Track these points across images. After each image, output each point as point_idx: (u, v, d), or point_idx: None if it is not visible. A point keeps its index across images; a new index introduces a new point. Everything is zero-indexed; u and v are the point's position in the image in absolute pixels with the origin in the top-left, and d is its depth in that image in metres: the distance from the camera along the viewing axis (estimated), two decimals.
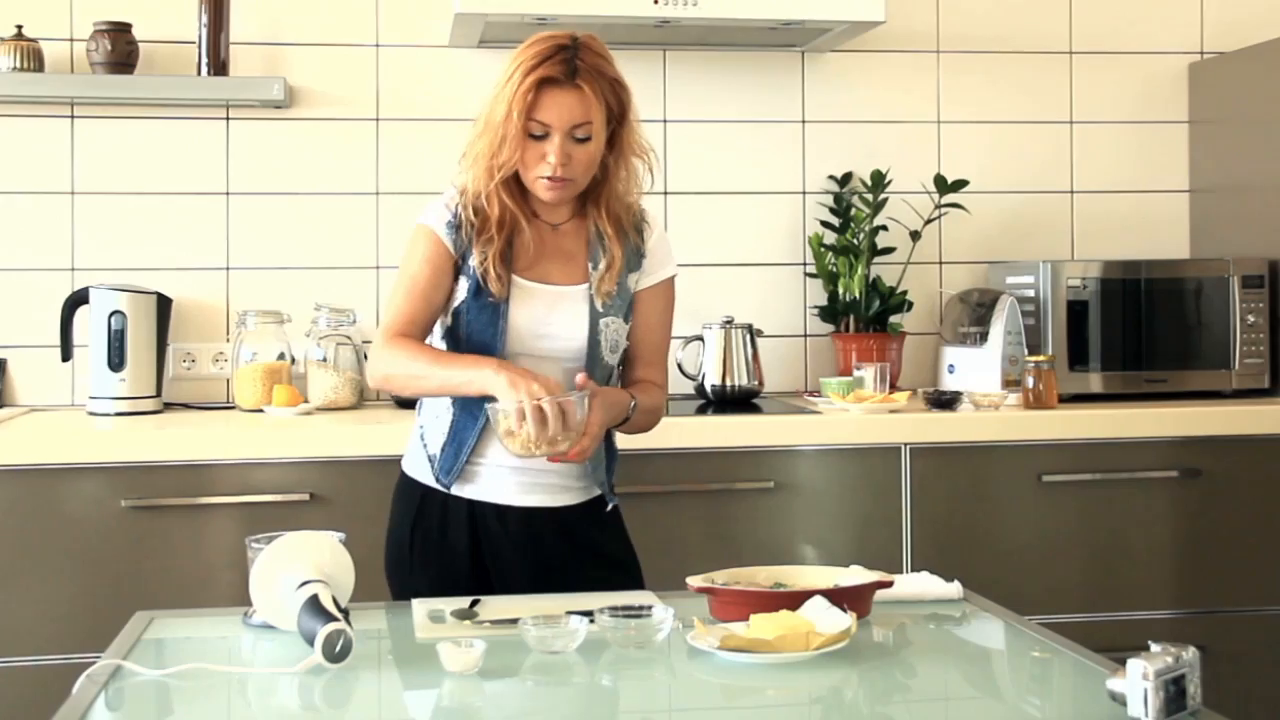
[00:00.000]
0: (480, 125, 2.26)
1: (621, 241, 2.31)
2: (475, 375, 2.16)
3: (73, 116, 3.51)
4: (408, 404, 3.42)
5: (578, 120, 2.20)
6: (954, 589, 2.11)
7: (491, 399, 2.14)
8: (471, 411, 2.26)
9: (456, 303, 2.27)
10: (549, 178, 2.22)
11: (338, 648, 1.73)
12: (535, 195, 2.27)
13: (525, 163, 2.22)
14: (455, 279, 2.28)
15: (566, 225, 2.33)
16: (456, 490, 2.30)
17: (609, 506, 2.37)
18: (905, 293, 3.65)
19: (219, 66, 3.45)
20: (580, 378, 2.20)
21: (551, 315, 2.27)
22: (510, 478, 2.29)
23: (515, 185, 2.27)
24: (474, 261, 2.25)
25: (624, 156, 2.29)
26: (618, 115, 2.26)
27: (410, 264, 2.29)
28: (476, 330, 2.26)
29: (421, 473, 2.35)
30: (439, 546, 2.31)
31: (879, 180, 3.64)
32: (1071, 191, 3.87)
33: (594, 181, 2.29)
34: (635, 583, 2.33)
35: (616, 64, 2.26)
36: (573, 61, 2.19)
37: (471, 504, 2.30)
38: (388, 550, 2.39)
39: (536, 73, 2.18)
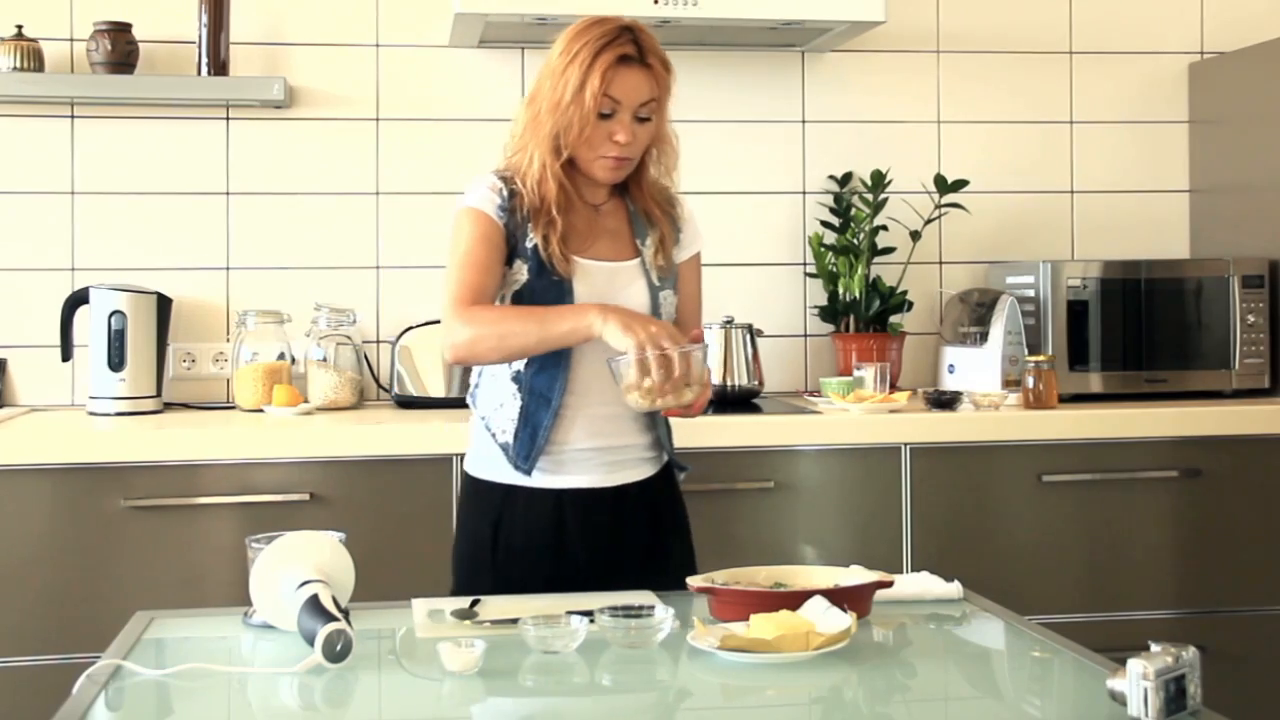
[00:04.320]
0: (538, 108, 2.25)
1: (666, 218, 2.35)
2: (580, 322, 2.13)
3: (73, 116, 3.51)
4: (408, 404, 3.43)
5: (645, 98, 2.23)
6: (954, 589, 2.11)
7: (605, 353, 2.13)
8: (543, 394, 2.24)
9: (518, 285, 2.26)
10: (614, 157, 2.24)
11: (338, 648, 1.73)
12: (590, 176, 2.29)
13: (590, 142, 2.23)
14: (509, 263, 2.26)
15: (606, 206, 2.35)
16: (543, 482, 2.27)
17: (681, 476, 2.41)
18: (905, 293, 3.65)
19: (219, 66, 3.45)
20: (696, 331, 2.22)
21: (613, 290, 2.27)
22: (598, 459, 2.28)
23: (565, 166, 2.28)
24: (534, 243, 2.24)
25: (665, 140, 2.33)
26: (666, 101, 2.30)
27: (463, 243, 2.25)
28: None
29: (494, 469, 2.30)
30: (524, 542, 2.28)
31: (879, 180, 3.64)
32: (1071, 191, 3.87)
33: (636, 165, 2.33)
34: (693, 550, 2.40)
35: None
36: (638, 41, 2.23)
37: (560, 494, 2.27)
38: (459, 553, 2.35)
39: (611, 50, 2.20)
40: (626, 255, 2.32)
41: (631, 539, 2.31)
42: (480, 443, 2.33)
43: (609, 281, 2.28)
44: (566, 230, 2.25)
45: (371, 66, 3.61)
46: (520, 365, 2.26)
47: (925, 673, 1.86)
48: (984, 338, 3.48)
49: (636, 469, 2.32)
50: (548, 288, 2.24)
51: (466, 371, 3.48)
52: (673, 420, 2.37)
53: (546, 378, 2.24)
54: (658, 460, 2.36)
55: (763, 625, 1.77)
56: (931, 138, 3.81)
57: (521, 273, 2.25)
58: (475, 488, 2.34)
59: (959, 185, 3.63)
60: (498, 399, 2.29)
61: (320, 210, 3.59)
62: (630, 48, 2.21)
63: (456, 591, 2.30)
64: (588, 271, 2.27)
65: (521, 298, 2.26)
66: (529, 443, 2.25)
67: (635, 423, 2.30)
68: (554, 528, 2.27)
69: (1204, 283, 3.51)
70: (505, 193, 2.26)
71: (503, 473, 2.29)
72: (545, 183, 2.24)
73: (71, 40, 3.50)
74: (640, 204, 2.34)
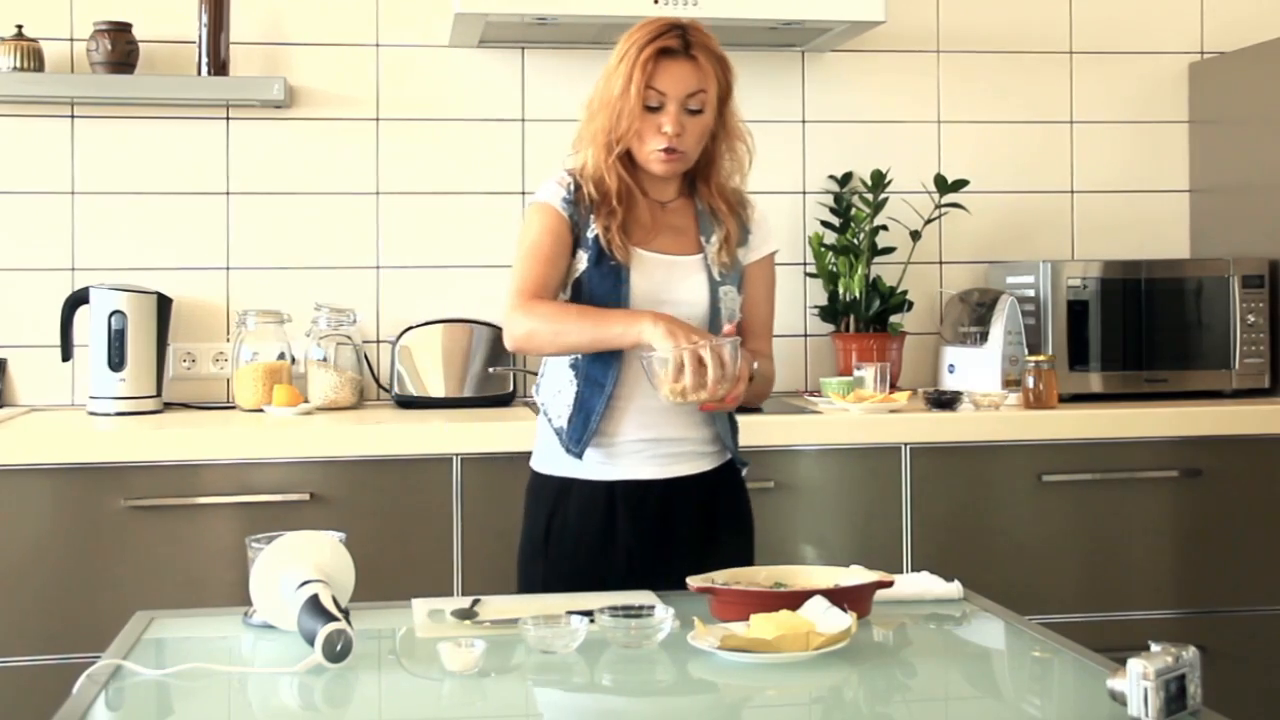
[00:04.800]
0: (594, 107, 2.34)
1: (733, 217, 2.38)
2: (630, 327, 2.19)
3: (73, 116, 3.51)
4: (408, 404, 3.43)
5: (692, 89, 2.27)
6: (954, 589, 2.11)
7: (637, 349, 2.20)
8: (597, 381, 2.30)
9: (577, 274, 2.31)
10: (664, 150, 2.28)
11: (338, 648, 1.73)
12: (648, 170, 2.33)
13: (641, 136, 2.29)
14: (572, 254, 2.32)
15: (674, 203, 2.39)
16: (595, 474, 2.32)
17: (744, 470, 2.43)
18: (905, 293, 3.65)
19: (219, 66, 3.45)
20: (729, 326, 2.25)
21: (671, 282, 2.32)
22: (649, 451, 2.32)
23: (628, 163, 2.33)
24: (594, 232, 2.30)
25: (730, 136, 2.37)
26: (725, 94, 2.34)
27: (530, 235, 2.33)
28: (599, 298, 2.29)
29: (557, 463, 2.35)
30: (576, 538, 2.32)
31: (879, 180, 3.64)
32: (1071, 191, 3.87)
33: (703, 161, 2.37)
34: (751, 547, 2.43)
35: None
36: (685, 36, 2.29)
37: (612, 486, 2.32)
38: (521, 548, 2.41)
39: (653, 45, 2.27)
40: (689, 250, 2.36)
41: (683, 532, 2.34)
42: (542, 434, 2.40)
43: (667, 274, 2.32)
44: (629, 222, 2.32)
45: (371, 66, 3.61)
46: (578, 354, 2.32)
47: (925, 673, 1.86)
48: (984, 338, 3.48)
49: (691, 462, 2.35)
50: (605, 275, 2.29)
51: (468, 372, 3.49)
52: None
53: (601, 366, 2.30)
54: (718, 455, 2.39)
55: (763, 625, 1.77)
56: (931, 138, 3.81)
57: (582, 262, 2.31)
58: (535, 482, 2.41)
59: (959, 185, 3.63)
60: (556, 386, 2.36)
61: (320, 210, 3.59)
62: (673, 41, 2.27)
63: (518, 583, 2.39)
64: (646, 262, 2.32)
65: (580, 285, 2.31)
66: (581, 427, 2.30)
67: (691, 416, 2.32)
68: (605, 519, 2.32)
69: (1204, 283, 3.51)
70: (572, 187, 2.33)
71: (560, 465, 2.35)
72: (602, 176, 2.31)
73: (71, 40, 3.50)
74: (707, 201, 2.38)
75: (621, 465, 2.32)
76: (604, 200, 2.30)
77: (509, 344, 2.33)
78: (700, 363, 2.10)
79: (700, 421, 2.34)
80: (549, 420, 2.36)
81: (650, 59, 2.25)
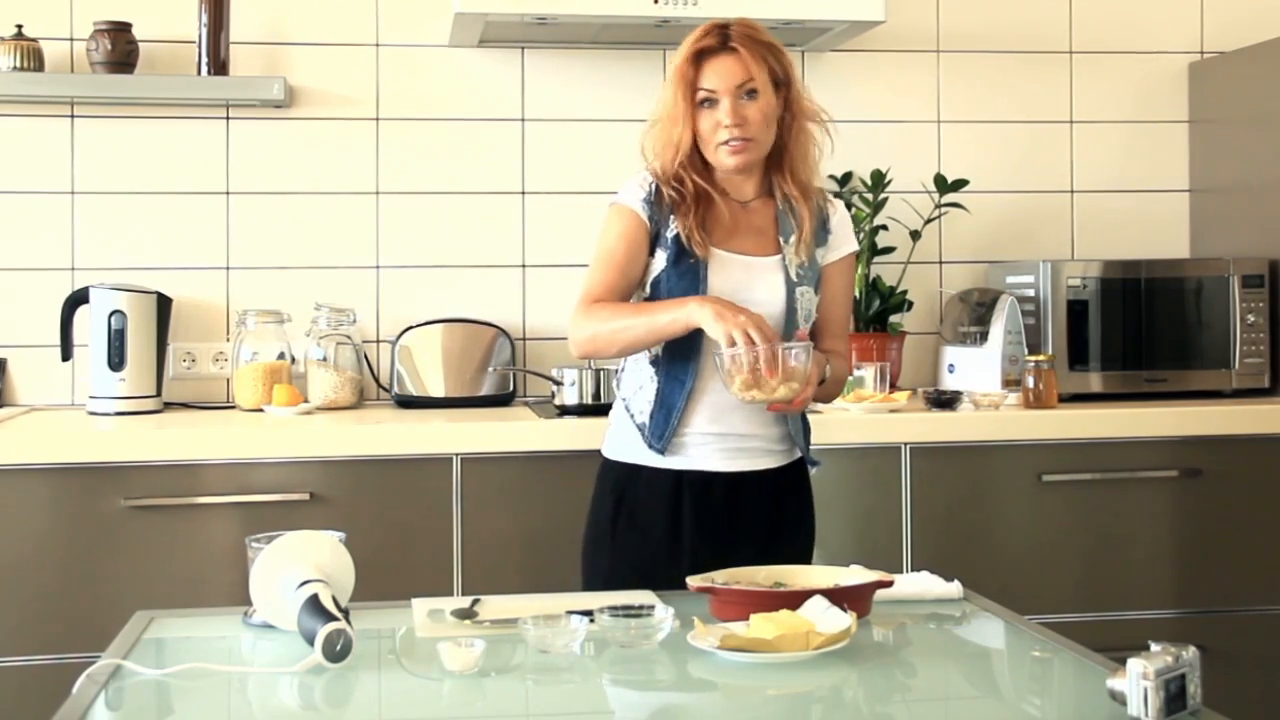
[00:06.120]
0: (660, 116, 2.39)
1: (810, 208, 2.39)
2: (679, 311, 2.23)
3: (73, 116, 3.51)
4: (408, 403, 3.43)
5: (739, 80, 2.31)
6: (954, 589, 2.11)
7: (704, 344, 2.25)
8: (678, 377, 2.33)
9: (655, 273, 2.34)
10: (729, 141, 2.30)
11: (338, 647, 1.73)
12: (721, 167, 2.36)
13: (703, 136, 2.33)
14: (651, 254, 2.35)
15: (755, 203, 2.41)
16: (666, 463, 2.35)
17: (813, 469, 2.46)
18: (905, 292, 3.65)
19: (219, 66, 3.45)
20: (801, 331, 2.29)
21: (749, 282, 2.34)
22: (716, 444, 2.35)
23: (701, 165, 2.36)
24: (674, 232, 2.32)
25: (798, 120, 2.39)
26: (784, 80, 2.36)
27: (606, 240, 2.38)
28: (677, 295, 2.31)
29: (628, 450, 2.39)
30: (643, 524, 2.36)
31: (879, 180, 3.64)
32: (1071, 191, 3.87)
33: (775, 151, 2.38)
34: (811, 547, 2.46)
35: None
36: (725, 33, 2.33)
37: (679, 476, 2.35)
38: (586, 534, 2.44)
39: (693, 46, 2.33)
40: (769, 251, 2.38)
41: (747, 527, 2.37)
42: (619, 425, 2.43)
43: (744, 272, 2.35)
44: (709, 222, 2.34)
45: (371, 66, 3.61)
46: (659, 350, 2.35)
47: (925, 673, 1.86)
48: (984, 337, 3.48)
49: (758, 458, 2.38)
50: (683, 274, 2.32)
51: (468, 372, 3.49)
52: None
53: (681, 362, 2.33)
54: (787, 453, 2.41)
55: (763, 625, 1.77)
56: (931, 138, 3.81)
57: (660, 261, 2.34)
58: (606, 469, 2.44)
59: (959, 185, 3.63)
60: (638, 382, 2.39)
61: (320, 210, 3.59)
62: (711, 40, 2.32)
63: (583, 570, 2.42)
64: (724, 262, 2.34)
65: (658, 284, 2.34)
66: (664, 423, 2.34)
67: (763, 414, 2.34)
68: (671, 508, 2.35)
69: (1204, 282, 3.51)
70: (653, 187, 2.36)
71: (632, 452, 2.38)
72: (674, 180, 2.34)
73: (71, 40, 3.50)
74: (784, 191, 2.39)
75: (690, 457, 2.35)
76: (681, 200, 2.33)
77: (575, 352, 2.37)
78: (765, 362, 2.14)
79: (772, 420, 2.37)
80: (631, 416, 2.39)
81: (689, 62, 2.31)
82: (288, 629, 1.84)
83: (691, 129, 2.33)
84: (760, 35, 2.34)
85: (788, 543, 2.39)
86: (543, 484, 3.01)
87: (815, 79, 3.75)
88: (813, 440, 2.48)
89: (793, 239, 2.38)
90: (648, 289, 2.36)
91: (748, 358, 2.15)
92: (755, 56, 2.31)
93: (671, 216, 2.33)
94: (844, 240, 2.47)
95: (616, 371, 2.50)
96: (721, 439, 2.35)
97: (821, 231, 2.42)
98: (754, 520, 2.38)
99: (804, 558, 2.42)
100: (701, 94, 2.31)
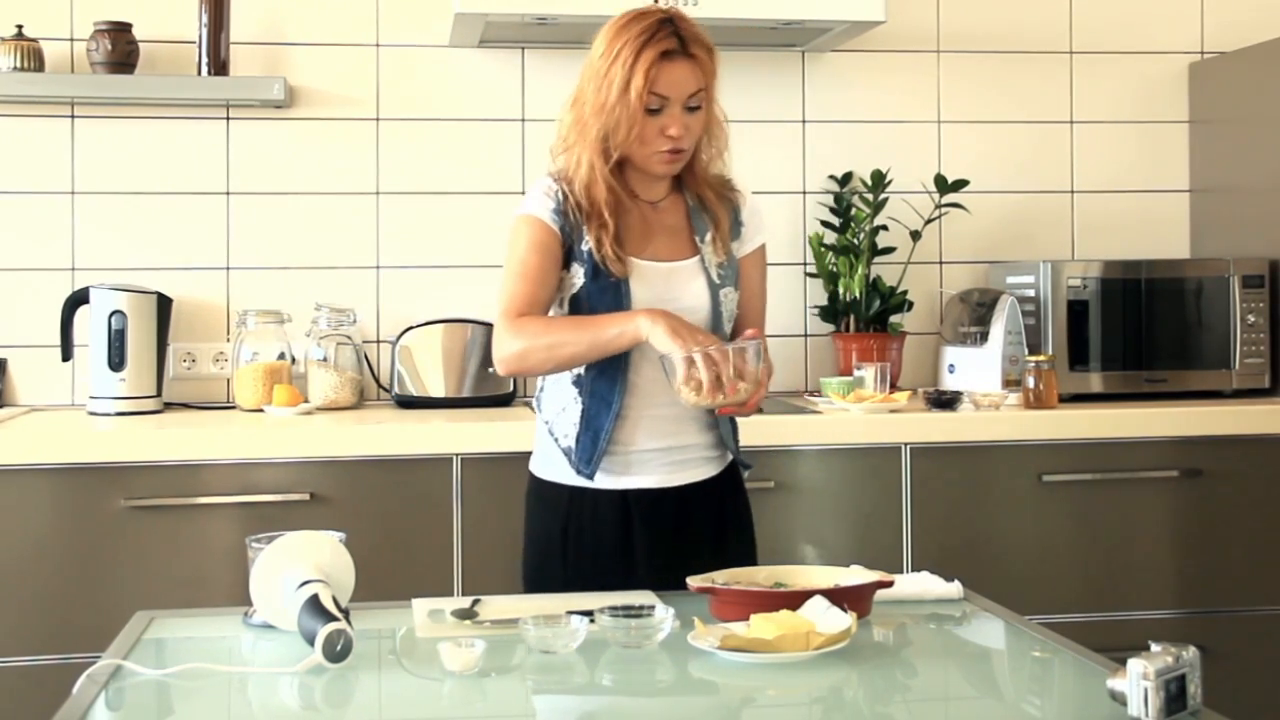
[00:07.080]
0: (583, 110, 2.24)
1: (723, 206, 2.34)
2: (628, 326, 2.13)
3: (73, 116, 3.51)
4: (408, 404, 3.43)
5: (693, 89, 2.21)
6: (954, 589, 2.11)
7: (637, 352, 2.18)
8: (603, 398, 2.25)
9: (574, 289, 2.25)
10: (669, 150, 2.22)
11: (338, 648, 1.73)
12: (648, 172, 2.27)
13: (643, 139, 2.21)
14: (565, 267, 2.25)
15: (664, 202, 2.34)
16: (608, 483, 2.27)
17: (746, 472, 2.41)
18: (905, 293, 3.65)
19: (219, 66, 3.45)
20: (751, 330, 2.20)
21: (672, 290, 2.26)
22: (660, 459, 2.28)
23: (615, 167, 2.26)
24: (588, 246, 2.23)
25: (712, 123, 2.30)
26: (712, 84, 2.27)
27: (518, 251, 2.25)
28: (601, 313, 2.22)
29: (559, 472, 2.30)
30: (593, 544, 2.28)
31: (879, 180, 3.64)
32: (1071, 191, 3.87)
33: None
34: (754, 546, 2.41)
35: None
36: (679, 33, 2.20)
37: (625, 495, 2.28)
38: (528, 554, 2.36)
39: (653, 47, 2.17)
40: (685, 254, 2.31)
41: (697, 538, 2.32)
42: (543, 445, 2.34)
43: (666, 281, 2.27)
44: (621, 231, 2.24)
45: (371, 66, 3.61)
46: (581, 370, 2.25)
47: (925, 673, 1.86)
48: (984, 338, 3.48)
49: (700, 468, 2.33)
50: (604, 290, 2.23)
51: (468, 372, 3.49)
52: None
53: (606, 381, 2.24)
54: (721, 459, 2.36)
55: (763, 625, 1.76)
56: (931, 138, 3.81)
57: (578, 276, 2.24)
58: (542, 490, 2.35)
59: (959, 185, 3.63)
60: (560, 403, 2.30)
61: (320, 210, 3.59)
62: (672, 41, 2.18)
63: (526, 590, 2.33)
64: (644, 272, 2.26)
65: (579, 301, 2.25)
66: (590, 447, 2.26)
67: (696, 422, 2.30)
68: (621, 529, 2.28)
69: (1204, 283, 3.51)
70: (560, 195, 2.25)
71: (568, 474, 2.29)
72: (595, 185, 2.23)
73: (71, 40, 3.50)
74: (695, 189, 2.33)
75: (634, 475, 2.28)
76: (594, 211, 2.23)
77: (500, 368, 2.22)
78: (713, 363, 2.06)
79: (704, 427, 2.32)
80: (555, 440, 2.30)
81: (653, 63, 2.16)
82: (288, 629, 1.84)
83: (638, 129, 2.19)
84: (705, 37, 2.23)
85: (732, 545, 2.34)
86: None
87: (815, 79, 3.76)
88: (748, 441, 2.43)
89: (709, 237, 2.30)
90: (566, 305, 2.26)
91: (708, 375, 2.06)
92: (707, 64, 2.21)
93: (584, 228, 2.23)
94: (756, 231, 2.38)
95: (536, 390, 2.37)
96: (666, 453, 2.28)
97: (735, 225, 2.35)
98: (701, 530, 2.32)
99: (750, 558, 2.36)
100: (653, 99, 2.18)
